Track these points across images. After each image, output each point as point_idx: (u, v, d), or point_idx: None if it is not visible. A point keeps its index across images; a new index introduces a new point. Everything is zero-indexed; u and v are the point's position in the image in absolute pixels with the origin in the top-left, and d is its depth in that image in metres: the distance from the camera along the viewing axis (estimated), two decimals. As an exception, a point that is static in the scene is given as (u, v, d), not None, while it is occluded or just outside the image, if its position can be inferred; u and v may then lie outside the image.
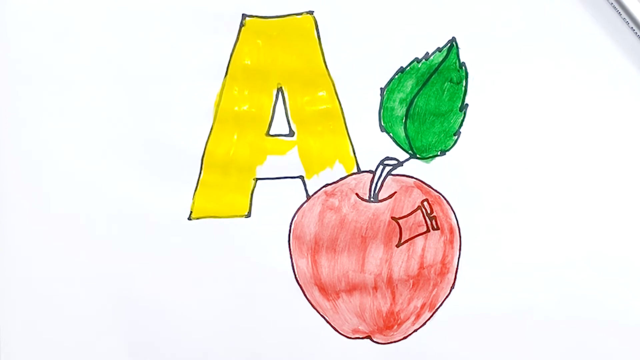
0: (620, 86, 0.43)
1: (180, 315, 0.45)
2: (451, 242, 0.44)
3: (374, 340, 0.45)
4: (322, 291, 0.45)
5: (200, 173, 0.44)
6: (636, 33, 0.42)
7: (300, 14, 0.44)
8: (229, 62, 0.44)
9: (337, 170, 0.44)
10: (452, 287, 0.44)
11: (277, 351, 0.45)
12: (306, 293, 0.45)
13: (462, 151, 0.44)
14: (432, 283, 0.44)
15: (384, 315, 0.45)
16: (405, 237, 0.44)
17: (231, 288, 0.44)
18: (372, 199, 0.44)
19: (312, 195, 0.44)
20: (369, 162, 0.44)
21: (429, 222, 0.44)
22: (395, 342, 0.45)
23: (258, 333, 0.45)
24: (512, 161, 0.44)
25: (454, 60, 0.44)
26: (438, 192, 0.44)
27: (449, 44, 0.43)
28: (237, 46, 0.44)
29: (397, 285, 0.44)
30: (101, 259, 0.45)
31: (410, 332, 0.45)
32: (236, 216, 0.44)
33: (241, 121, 0.44)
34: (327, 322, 0.45)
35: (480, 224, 0.44)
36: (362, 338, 0.45)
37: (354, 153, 0.44)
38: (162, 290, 0.45)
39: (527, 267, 0.44)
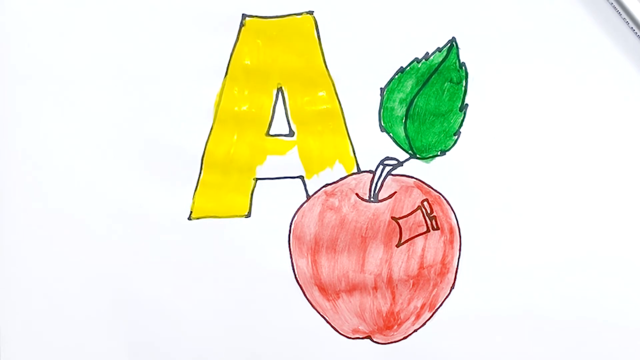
0: (620, 86, 0.43)
1: (180, 315, 0.45)
2: (451, 242, 0.44)
3: (374, 340, 0.45)
4: (322, 291, 0.45)
5: (200, 173, 0.44)
6: (636, 33, 0.42)
7: (300, 14, 0.44)
8: (229, 62, 0.44)
9: (337, 170, 0.44)
10: (452, 287, 0.44)
11: (277, 351, 0.45)
12: (306, 293, 0.45)
13: (462, 151, 0.44)
14: (432, 283, 0.44)
15: (384, 315, 0.45)
16: (405, 237, 0.44)
17: (231, 288, 0.44)
18: (372, 199, 0.44)
19: (312, 195, 0.44)
20: (369, 162, 0.44)
21: (429, 222, 0.44)
22: (395, 342, 0.45)
23: (258, 333, 0.45)
24: (512, 161, 0.44)
25: (454, 60, 0.44)
26: (438, 192, 0.44)
27: (449, 44, 0.43)
28: (237, 46, 0.44)
29: (397, 285, 0.44)
30: (101, 259, 0.45)
31: (410, 332, 0.45)
32: (236, 216, 0.44)
33: (241, 121, 0.44)
34: (327, 322, 0.45)
35: (480, 224, 0.44)
36: (362, 338, 0.45)
37: (354, 153, 0.44)
38: (162, 290, 0.45)
39: (527, 267, 0.44)
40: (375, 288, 0.44)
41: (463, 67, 0.44)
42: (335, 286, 0.45)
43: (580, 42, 0.43)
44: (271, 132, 0.45)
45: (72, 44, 0.44)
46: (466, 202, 0.44)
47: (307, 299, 0.45)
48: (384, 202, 0.44)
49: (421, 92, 0.44)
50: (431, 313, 0.45)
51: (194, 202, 0.44)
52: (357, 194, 0.44)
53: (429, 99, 0.44)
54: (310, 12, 0.44)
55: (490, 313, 0.44)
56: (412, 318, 0.45)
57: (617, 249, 0.43)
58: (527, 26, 0.43)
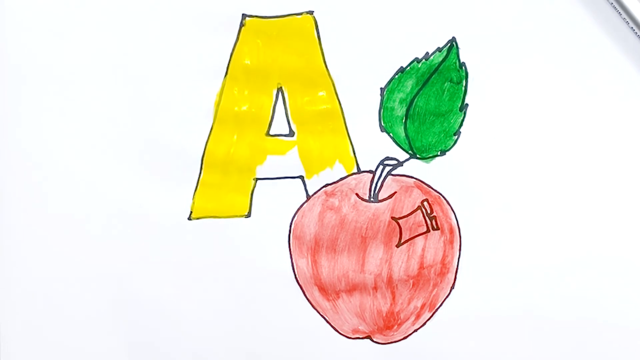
0: (620, 86, 0.43)
1: (180, 315, 0.45)
2: (451, 242, 0.44)
3: (374, 340, 0.45)
4: (322, 291, 0.45)
5: (200, 173, 0.44)
6: (636, 33, 0.42)
7: (300, 14, 0.44)
8: (229, 62, 0.44)
9: (337, 170, 0.44)
10: (452, 287, 0.44)
11: (277, 351, 0.45)
12: (306, 293, 0.45)
13: (462, 151, 0.44)
14: (432, 283, 0.44)
15: (384, 315, 0.45)
16: (405, 237, 0.44)
17: (231, 288, 0.44)
18: (372, 199, 0.44)
19: (312, 195, 0.44)
20: (369, 162, 0.44)
21: (429, 222, 0.44)
22: (395, 342, 0.45)
23: (258, 333, 0.45)
24: (512, 161, 0.44)
25: (454, 60, 0.44)
26: (438, 192, 0.44)
27: (449, 44, 0.43)
28: (237, 46, 0.44)
29: (397, 285, 0.44)
30: (101, 259, 0.45)
31: (410, 332, 0.45)
32: (236, 216, 0.44)
33: (241, 121, 0.44)
34: (327, 322, 0.45)
35: (480, 224, 0.44)
36: (362, 338, 0.45)
37: (354, 153, 0.44)
38: (162, 290, 0.45)
39: (527, 267, 0.44)
40: (375, 288, 0.44)
41: (463, 67, 0.44)
42: (335, 286, 0.45)
43: (580, 42, 0.43)
44: (271, 132, 0.45)
45: (72, 44, 0.44)
46: (466, 202, 0.44)
47: (307, 299, 0.45)
48: (384, 202, 0.44)
49: (421, 92, 0.44)
50: (431, 313, 0.45)
51: (194, 202, 0.44)
52: (357, 194, 0.44)
53: (429, 99, 0.44)
54: (310, 12, 0.44)
55: (490, 313, 0.44)
56: (412, 318, 0.45)
57: (617, 249, 0.43)
58: (527, 26, 0.43)
